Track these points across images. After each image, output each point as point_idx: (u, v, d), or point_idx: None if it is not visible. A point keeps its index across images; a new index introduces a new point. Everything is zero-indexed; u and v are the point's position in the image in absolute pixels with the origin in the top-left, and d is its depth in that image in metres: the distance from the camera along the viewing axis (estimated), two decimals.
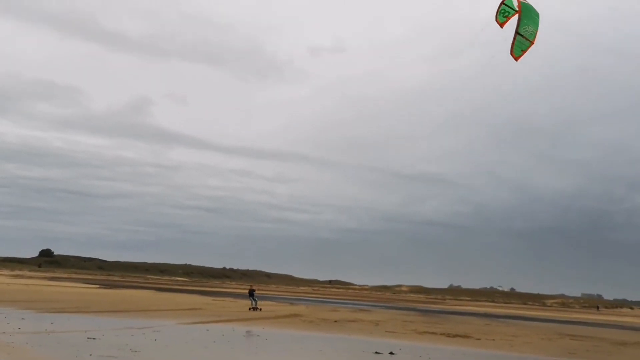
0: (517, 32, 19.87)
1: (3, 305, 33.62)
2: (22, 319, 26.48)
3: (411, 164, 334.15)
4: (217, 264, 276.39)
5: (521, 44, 20.16)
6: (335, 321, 39.43)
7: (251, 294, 48.47)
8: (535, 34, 20.61)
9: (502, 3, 20.57)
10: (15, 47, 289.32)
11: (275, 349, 21.77)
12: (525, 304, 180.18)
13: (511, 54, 20.32)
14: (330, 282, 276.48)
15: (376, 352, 22.09)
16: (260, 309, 45.65)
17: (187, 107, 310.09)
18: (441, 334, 33.59)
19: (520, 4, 20.48)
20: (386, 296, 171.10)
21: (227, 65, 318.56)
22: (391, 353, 22.15)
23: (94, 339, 20.49)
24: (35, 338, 20.10)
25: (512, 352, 26.98)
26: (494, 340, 32.27)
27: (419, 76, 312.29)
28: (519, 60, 20.49)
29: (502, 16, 20.93)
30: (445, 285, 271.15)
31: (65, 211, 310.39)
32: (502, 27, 20.64)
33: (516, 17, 20.47)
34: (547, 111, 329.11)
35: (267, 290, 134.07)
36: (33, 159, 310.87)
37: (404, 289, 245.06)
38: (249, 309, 45.70)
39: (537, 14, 21.08)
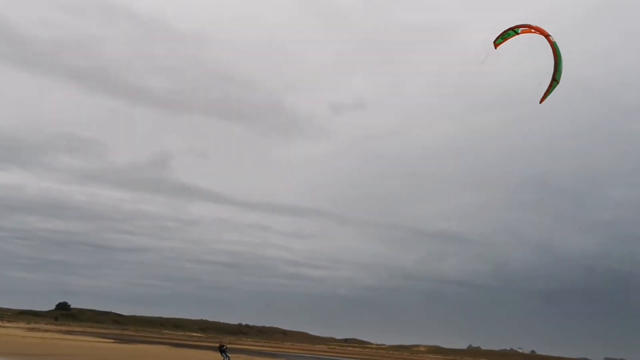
0: (554, 79, 20.40)
1: (17, 359, 33.40)
2: None
3: (431, 221, 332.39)
4: (233, 320, 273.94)
5: (552, 88, 20.86)
6: None
7: (221, 350, 44.32)
8: (561, 73, 21.16)
9: (510, 29, 20.92)
10: (42, 102, 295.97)
11: None
12: None
13: (542, 100, 20.84)
14: (345, 340, 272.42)
15: None
16: None
17: (207, 162, 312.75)
18: None
19: (555, 49, 20.56)
20: (403, 356, 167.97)
21: (248, 121, 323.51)
22: None
23: None
24: None
25: None
26: None
27: (440, 133, 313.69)
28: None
29: (501, 38, 21.45)
30: (463, 346, 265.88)
31: (84, 264, 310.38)
32: (495, 48, 21.10)
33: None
34: (568, 170, 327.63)
35: (283, 348, 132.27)
36: (54, 212, 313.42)
37: (421, 349, 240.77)
38: None
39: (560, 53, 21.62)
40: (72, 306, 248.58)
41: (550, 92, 20.79)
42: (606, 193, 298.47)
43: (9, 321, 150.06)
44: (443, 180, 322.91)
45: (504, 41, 21.23)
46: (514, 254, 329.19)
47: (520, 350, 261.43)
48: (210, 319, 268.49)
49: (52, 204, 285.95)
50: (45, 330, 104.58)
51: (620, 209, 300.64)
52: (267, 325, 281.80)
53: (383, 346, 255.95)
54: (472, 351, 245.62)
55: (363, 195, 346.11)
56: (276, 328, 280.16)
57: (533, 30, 20.66)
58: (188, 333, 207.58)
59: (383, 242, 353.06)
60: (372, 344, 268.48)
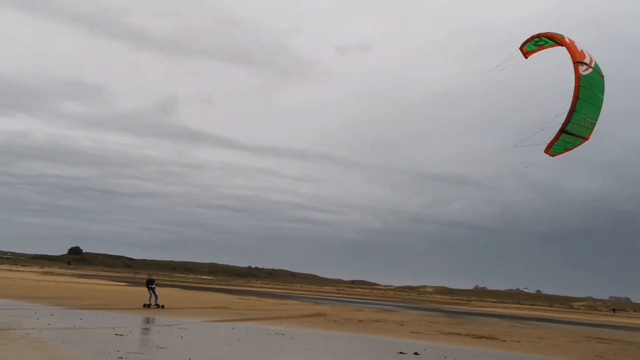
0: (563, 130, 15.76)
1: (33, 302, 34.23)
2: (52, 315, 26.93)
3: (437, 165, 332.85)
4: (243, 263, 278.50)
5: (566, 143, 16.27)
6: (360, 321, 39.46)
7: (150, 284, 38.14)
8: (594, 124, 16.26)
9: (539, 35, 16.95)
10: (45, 47, 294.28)
11: (300, 347, 21.89)
12: (551, 306, 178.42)
13: (546, 151, 16.46)
14: (352, 282, 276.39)
15: (400, 352, 22.09)
16: (163, 306, 36.92)
17: (213, 107, 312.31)
18: (466, 335, 33.44)
19: (580, 79, 15.92)
20: (411, 297, 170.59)
21: (253, 65, 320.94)
22: (415, 353, 22.13)
23: (121, 335, 20.79)
24: (64, 334, 20.45)
25: (538, 354, 26.78)
26: (519, 342, 32.06)
27: (446, 77, 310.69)
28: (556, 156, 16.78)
29: (533, 44, 17.29)
30: (470, 287, 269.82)
31: (93, 209, 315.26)
32: (526, 57, 17.33)
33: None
34: None
35: (292, 290, 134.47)
36: (61, 157, 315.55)
37: (428, 289, 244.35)
38: (144, 305, 36.94)
39: (601, 89, 16.47)
40: (84, 250, 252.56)
41: (562, 147, 16.35)
42: (616, 134, 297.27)
43: (23, 265, 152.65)
44: (450, 123, 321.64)
45: (534, 50, 17.38)
46: (520, 196, 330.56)
47: (526, 290, 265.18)
48: (219, 262, 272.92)
49: (58, 150, 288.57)
50: (59, 274, 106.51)
51: (629, 150, 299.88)
52: (275, 267, 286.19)
53: (391, 287, 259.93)
54: (479, 291, 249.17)
55: (370, 139, 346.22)
56: (285, 270, 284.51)
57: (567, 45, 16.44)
58: (199, 276, 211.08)
59: (389, 185, 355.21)
60: (380, 285, 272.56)
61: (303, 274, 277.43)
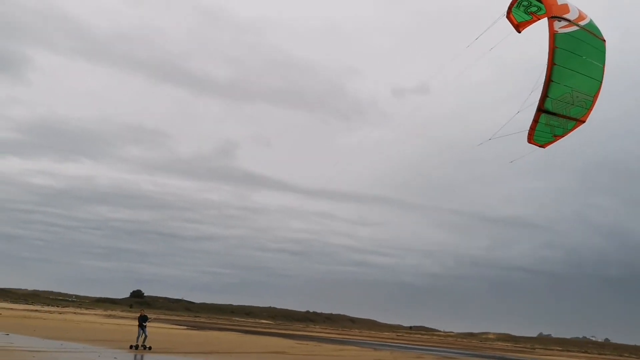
0: (540, 109, 12.48)
1: (96, 345, 34.88)
2: (115, 358, 27.37)
3: (497, 207, 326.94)
4: (301, 307, 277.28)
5: (552, 127, 12.95)
6: None
7: (142, 321, 35.53)
8: (590, 102, 12.67)
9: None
10: (108, 94, 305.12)
11: None
12: (621, 355, 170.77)
13: (529, 140, 13.56)
14: (411, 327, 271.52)
15: None
16: (150, 348, 34.43)
17: (271, 150, 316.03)
18: None
19: (555, 38, 12.41)
20: (472, 344, 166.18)
21: (310, 108, 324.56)
22: None
23: None
24: None
25: None
26: None
27: (503, 117, 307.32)
28: (547, 146, 13.80)
29: (522, 11, 13.60)
30: (534, 334, 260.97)
31: (155, 253, 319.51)
32: (518, 31, 14.01)
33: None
34: None
35: (351, 335, 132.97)
36: (124, 201, 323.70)
37: (490, 336, 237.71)
38: (130, 347, 34.44)
39: (598, 56, 12.82)
40: (145, 294, 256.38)
41: (548, 133, 13.12)
42: None
43: (87, 308, 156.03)
44: (507, 165, 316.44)
45: (528, 21, 13.61)
46: (584, 239, 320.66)
47: (593, 339, 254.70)
48: (278, 307, 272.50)
49: (121, 194, 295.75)
50: (121, 317, 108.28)
51: None
52: (334, 312, 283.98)
53: (451, 333, 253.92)
54: (543, 339, 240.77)
55: (427, 181, 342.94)
56: (343, 315, 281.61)
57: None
58: (257, 320, 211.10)
59: (448, 228, 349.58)
60: (439, 331, 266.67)
61: (362, 318, 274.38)
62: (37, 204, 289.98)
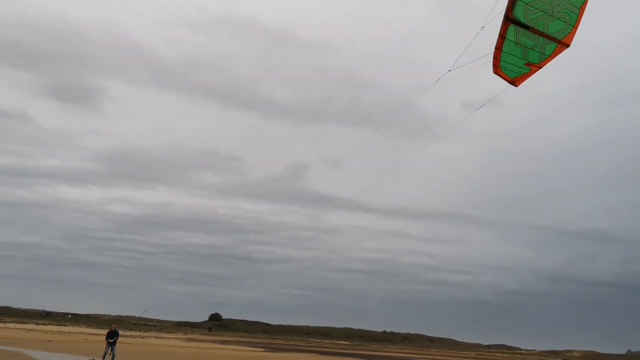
0: (509, 18, 9.23)
1: None
2: None
3: (577, 221, 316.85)
4: (378, 328, 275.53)
5: (525, 50, 9.39)
6: None
7: (110, 338, 32.84)
8: (575, 18, 9.13)
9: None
10: (180, 122, 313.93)
11: None
12: None
13: (495, 71, 10.09)
14: (488, 346, 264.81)
15: None
16: None
17: (341, 171, 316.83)
18: None
19: None
20: None
21: (379, 126, 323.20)
22: None
23: None
24: None
25: None
26: None
27: (579, 128, 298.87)
28: (520, 84, 10.22)
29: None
30: (622, 351, 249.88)
31: (231, 276, 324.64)
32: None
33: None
34: None
35: (430, 355, 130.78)
36: (199, 226, 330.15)
37: (575, 354, 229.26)
38: None
39: None
40: (223, 317, 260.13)
41: (519, 60, 9.42)
42: None
43: (168, 332, 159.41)
44: (586, 177, 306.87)
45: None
46: None
47: None
48: (354, 327, 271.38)
49: (196, 219, 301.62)
50: (201, 340, 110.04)
51: None
52: (411, 332, 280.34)
53: (534, 352, 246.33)
54: (632, 356, 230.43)
55: (502, 196, 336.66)
56: (421, 335, 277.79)
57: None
58: (334, 341, 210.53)
59: (526, 244, 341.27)
60: (521, 349, 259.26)
61: (440, 337, 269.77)
62: (116, 231, 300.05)
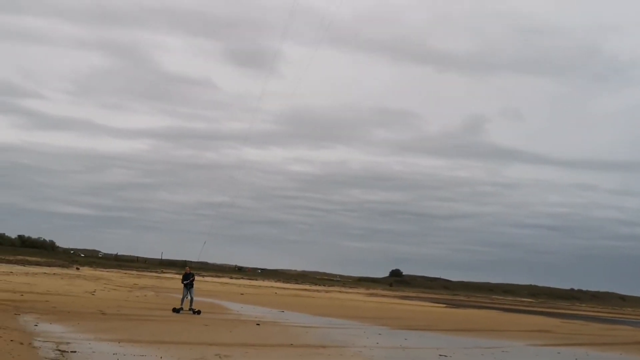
0: None
1: (363, 322, 36.69)
2: (379, 334, 28.54)
3: None
4: (564, 285, 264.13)
5: None
6: None
7: (186, 279, 31.70)
8: None
9: None
10: (352, 79, 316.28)
11: None
12: None
13: None
14: None
15: None
16: (199, 312, 30.24)
17: (522, 122, 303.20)
18: None
19: None
20: None
21: (562, 74, 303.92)
22: None
23: (445, 356, 21.19)
24: (392, 353, 21.54)
25: None
26: None
27: None
28: None
29: None
30: None
31: (409, 232, 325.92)
32: None
33: None
34: None
35: (623, 314, 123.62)
36: (376, 184, 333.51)
37: None
38: (173, 310, 30.90)
39: None
40: (403, 273, 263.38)
41: None
42: None
43: (350, 287, 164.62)
44: None
45: None
46: None
47: None
48: (539, 284, 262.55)
49: (373, 176, 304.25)
50: (382, 296, 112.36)
51: None
52: (601, 290, 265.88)
53: None
54: None
55: None
56: (612, 293, 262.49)
57: None
58: (517, 298, 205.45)
59: None
60: None
61: (634, 296, 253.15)
62: (298, 189, 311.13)
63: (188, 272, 31.90)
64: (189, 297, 30.97)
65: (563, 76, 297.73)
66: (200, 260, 47.42)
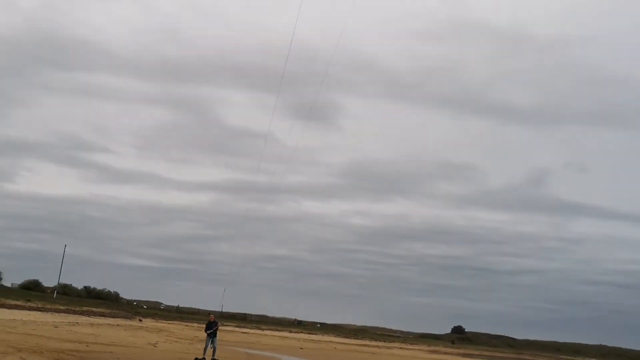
0: None
1: None
2: None
3: None
4: (636, 346, 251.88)
5: None
6: None
7: (209, 329, 30.59)
8: None
9: None
10: (414, 132, 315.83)
11: None
12: None
13: None
14: None
15: None
16: None
17: (587, 175, 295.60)
18: None
19: None
20: None
21: (630, 125, 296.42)
22: None
23: None
24: None
25: None
26: None
27: None
28: None
29: None
30: None
31: (472, 288, 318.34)
32: None
33: None
34: None
35: None
36: (437, 237, 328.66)
37: None
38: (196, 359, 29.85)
39: None
40: (466, 329, 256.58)
41: None
42: None
43: (411, 344, 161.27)
44: None
45: None
46: None
47: None
48: (609, 344, 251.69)
49: (434, 230, 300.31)
50: (445, 353, 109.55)
51: None
52: None
53: None
54: None
55: None
56: None
57: None
58: (587, 359, 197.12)
59: None
60: None
61: None
62: (358, 243, 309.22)
63: (212, 320, 31.02)
64: (213, 347, 30.34)
65: (631, 128, 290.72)
66: (223, 310, 47.26)
